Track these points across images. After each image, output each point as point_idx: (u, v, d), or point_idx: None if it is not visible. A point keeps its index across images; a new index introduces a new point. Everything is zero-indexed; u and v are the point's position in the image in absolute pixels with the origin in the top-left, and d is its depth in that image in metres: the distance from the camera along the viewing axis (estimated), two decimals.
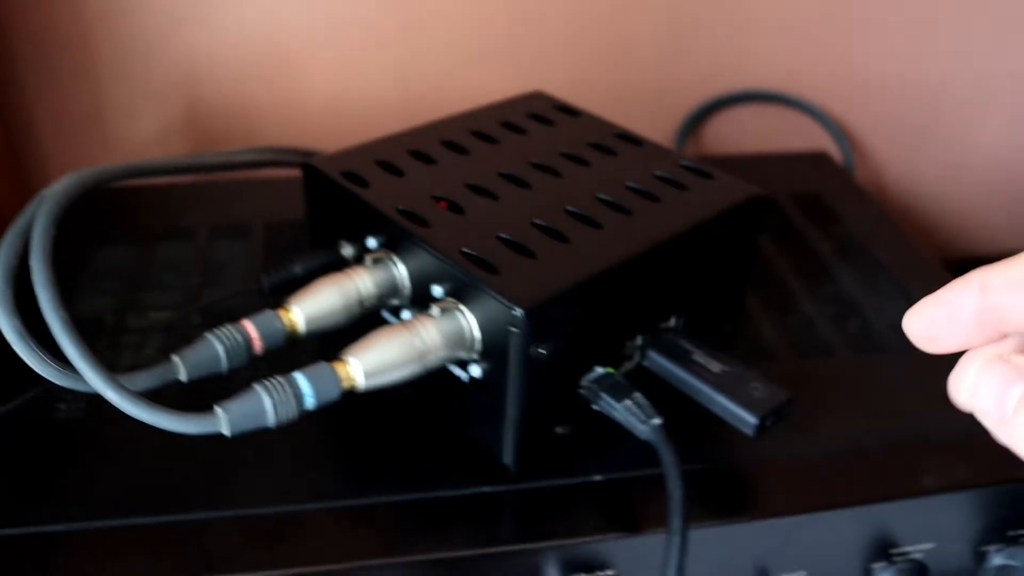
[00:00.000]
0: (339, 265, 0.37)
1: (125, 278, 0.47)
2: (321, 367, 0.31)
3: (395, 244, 0.36)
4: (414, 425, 0.38)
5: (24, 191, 0.62)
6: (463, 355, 0.34)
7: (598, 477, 0.36)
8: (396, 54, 0.62)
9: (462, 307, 0.33)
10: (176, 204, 0.54)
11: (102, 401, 0.30)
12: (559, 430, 0.36)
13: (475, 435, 0.36)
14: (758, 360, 0.43)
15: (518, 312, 0.30)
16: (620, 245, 0.34)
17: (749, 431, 0.35)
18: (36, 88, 0.60)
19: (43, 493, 0.35)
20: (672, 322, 0.38)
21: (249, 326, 0.33)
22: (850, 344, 0.45)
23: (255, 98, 0.62)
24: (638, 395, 0.35)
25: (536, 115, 0.44)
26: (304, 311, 0.34)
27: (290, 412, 0.30)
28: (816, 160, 0.63)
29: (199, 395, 0.33)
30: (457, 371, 0.35)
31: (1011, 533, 0.39)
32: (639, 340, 0.37)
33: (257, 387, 0.30)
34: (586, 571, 0.34)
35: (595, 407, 0.35)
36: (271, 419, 0.29)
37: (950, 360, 0.26)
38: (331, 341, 0.35)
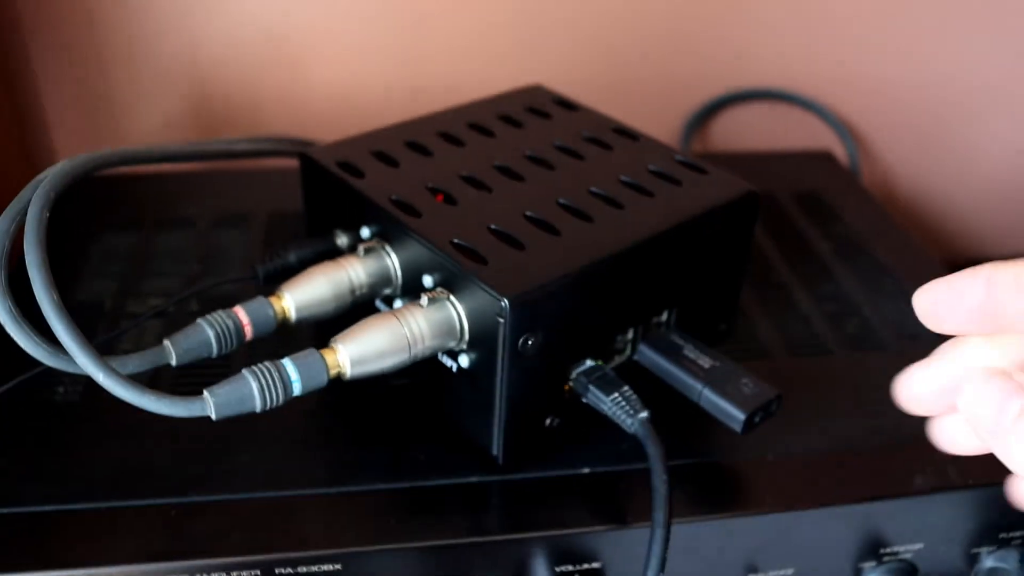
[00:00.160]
0: (334, 254, 0.37)
1: (127, 264, 0.48)
2: (309, 354, 0.31)
3: (387, 234, 0.36)
4: (405, 414, 0.39)
5: (34, 176, 0.63)
6: (452, 345, 0.34)
7: (586, 470, 0.36)
8: (401, 46, 0.63)
9: (452, 297, 0.33)
10: (180, 192, 0.55)
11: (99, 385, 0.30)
12: (549, 422, 0.36)
13: (464, 426, 0.36)
14: (754, 357, 0.43)
15: (504, 302, 0.31)
16: (610, 238, 0.34)
17: (737, 427, 0.35)
18: (45, 75, 0.61)
19: (38, 473, 0.35)
20: (664, 317, 0.38)
21: (240, 312, 0.33)
22: (846, 343, 0.45)
23: (261, 88, 0.63)
24: (626, 389, 0.35)
25: (534, 108, 0.44)
26: (295, 299, 0.34)
27: (276, 398, 0.30)
28: (819, 159, 0.62)
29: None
30: (447, 361, 0.35)
31: (1003, 536, 0.39)
32: (630, 334, 0.37)
33: (245, 372, 0.30)
34: (571, 563, 0.35)
35: (584, 400, 0.35)
36: (257, 404, 0.30)
37: None
38: (330, 329, 0.35)
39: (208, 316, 0.33)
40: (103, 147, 0.37)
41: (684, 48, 0.66)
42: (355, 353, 0.32)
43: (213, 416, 0.29)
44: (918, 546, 0.38)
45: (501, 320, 0.31)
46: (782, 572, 0.37)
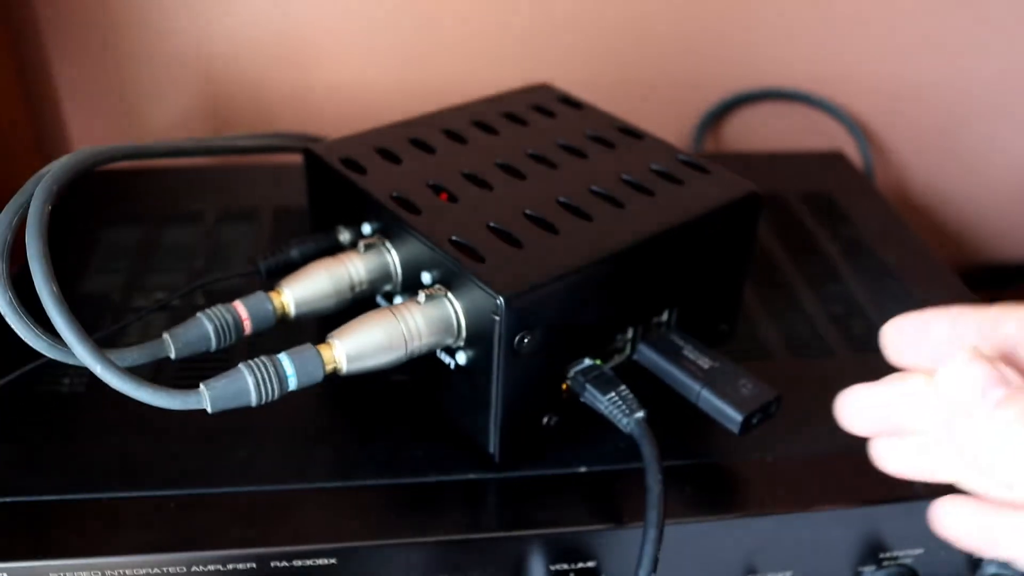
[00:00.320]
0: (336, 250, 0.37)
1: (135, 258, 0.48)
2: (306, 349, 0.31)
3: (388, 231, 0.36)
4: (405, 411, 0.39)
5: None
6: (450, 342, 0.34)
7: (583, 469, 0.36)
8: (410, 44, 0.63)
9: (449, 295, 0.33)
10: (189, 188, 0.55)
11: None
12: (547, 420, 0.36)
13: (462, 423, 0.36)
14: (756, 358, 0.43)
15: (499, 300, 0.31)
16: (609, 237, 0.34)
17: (734, 428, 0.35)
18: (60, 73, 0.62)
19: (41, 464, 0.36)
20: (665, 317, 0.38)
21: (239, 307, 0.33)
22: (850, 345, 0.44)
23: (271, 86, 0.63)
24: (623, 388, 0.35)
25: (539, 106, 0.44)
26: (295, 294, 0.35)
27: (272, 392, 0.30)
28: (831, 160, 0.62)
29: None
30: (445, 358, 0.35)
31: None
32: (630, 333, 0.37)
33: (241, 366, 0.30)
34: (567, 561, 0.35)
35: (582, 399, 0.35)
36: (253, 398, 0.30)
37: None
38: (335, 325, 0.35)
39: (207, 310, 0.33)
40: (117, 143, 0.38)
41: (697, 48, 0.65)
42: (351, 349, 0.32)
43: (209, 409, 0.30)
44: (918, 551, 0.37)
45: (497, 318, 0.31)
46: (781, 575, 0.37)
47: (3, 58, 0.57)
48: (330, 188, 0.39)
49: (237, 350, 0.35)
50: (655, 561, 0.31)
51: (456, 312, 0.33)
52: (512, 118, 0.43)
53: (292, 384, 0.31)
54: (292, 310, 0.35)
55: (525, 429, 0.35)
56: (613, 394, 0.34)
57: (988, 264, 0.75)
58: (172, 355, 0.32)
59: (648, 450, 0.32)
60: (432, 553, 0.34)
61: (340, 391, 0.40)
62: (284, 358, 0.31)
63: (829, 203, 0.56)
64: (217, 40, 0.61)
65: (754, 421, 0.35)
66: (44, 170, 0.32)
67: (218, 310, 0.33)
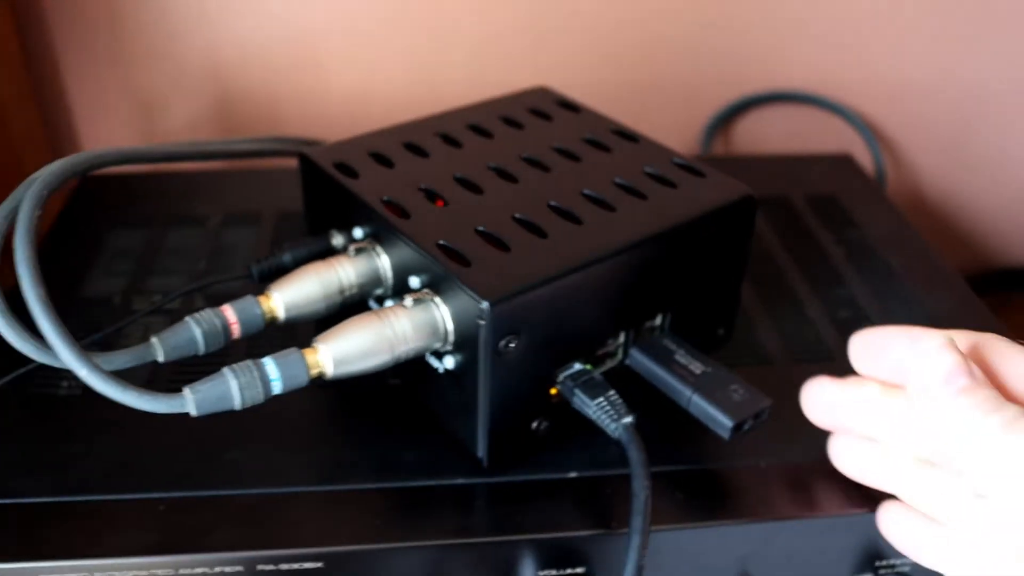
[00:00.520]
0: (328, 254, 0.37)
1: (138, 261, 0.49)
2: (291, 353, 0.31)
3: (379, 235, 0.36)
4: (395, 414, 0.39)
5: None
6: (438, 346, 0.34)
7: (573, 474, 0.36)
8: (419, 49, 0.63)
9: (436, 299, 0.33)
10: (192, 191, 0.55)
11: None
12: (536, 425, 0.36)
13: (451, 427, 0.36)
14: (754, 362, 0.43)
15: (484, 304, 0.31)
16: (597, 241, 0.34)
17: (724, 434, 0.34)
18: (71, 76, 0.62)
19: (34, 466, 0.36)
20: (658, 321, 0.38)
21: (228, 311, 0.33)
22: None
23: (280, 90, 0.63)
24: (612, 393, 0.34)
25: (536, 110, 0.44)
26: (284, 298, 0.35)
27: (256, 396, 0.30)
28: (839, 162, 0.61)
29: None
30: (434, 362, 0.35)
31: None
32: (621, 338, 0.37)
33: (225, 370, 0.30)
34: (556, 567, 0.34)
35: (572, 404, 0.35)
36: (237, 402, 0.30)
37: None
38: (329, 327, 0.35)
39: (195, 314, 0.33)
40: (128, 146, 0.38)
41: (710, 50, 0.65)
42: (337, 353, 0.32)
43: (193, 413, 0.30)
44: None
45: (482, 322, 0.31)
46: None
47: (16, 67, 0.58)
48: (323, 192, 0.39)
49: (234, 353, 0.36)
50: (640, 568, 0.30)
51: (443, 316, 0.33)
52: (508, 122, 0.43)
53: (277, 388, 0.31)
54: (281, 314, 0.35)
55: (514, 434, 0.35)
56: (602, 399, 0.34)
57: (1001, 267, 0.74)
58: (160, 359, 0.32)
59: (635, 455, 0.32)
60: (420, 558, 0.33)
61: (330, 395, 0.40)
62: (269, 362, 0.31)
63: (835, 206, 0.56)
64: (227, 45, 0.62)
65: (745, 427, 0.34)
66: (34, 176, 0.32)
67: (206, 314, 0.33)
